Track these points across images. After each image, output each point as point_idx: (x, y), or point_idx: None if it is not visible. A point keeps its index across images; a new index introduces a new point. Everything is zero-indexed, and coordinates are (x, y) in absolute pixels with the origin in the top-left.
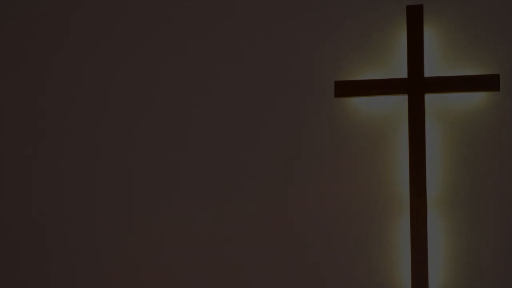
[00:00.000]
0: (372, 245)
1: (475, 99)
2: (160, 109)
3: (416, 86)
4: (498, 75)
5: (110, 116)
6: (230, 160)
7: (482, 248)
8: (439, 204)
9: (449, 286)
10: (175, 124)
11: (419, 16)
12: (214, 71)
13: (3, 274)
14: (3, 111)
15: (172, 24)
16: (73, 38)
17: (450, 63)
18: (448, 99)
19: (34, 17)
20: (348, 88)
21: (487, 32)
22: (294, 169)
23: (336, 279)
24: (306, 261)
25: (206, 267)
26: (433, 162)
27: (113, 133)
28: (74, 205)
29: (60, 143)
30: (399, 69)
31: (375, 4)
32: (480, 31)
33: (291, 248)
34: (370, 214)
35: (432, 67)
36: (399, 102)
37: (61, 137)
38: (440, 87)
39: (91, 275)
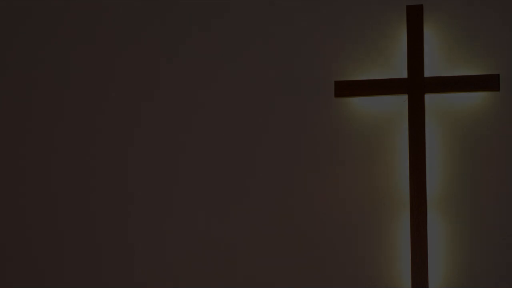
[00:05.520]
0: (372, 245)
1: (475, 99)
2: (160, 108)
3: (416, 86)
4: (498, 75)
5: (113, 116)
6: (229, 160)
7: (482, 248)
8: (439, 204)
9: (449, 286)
10: (175, 125)
11: (419, 16)
12: (213, 71)
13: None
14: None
15: (172, 24)
16: (70, 35)
17: (450, 63)
18: (448, 99)
19: (35, 15)
20: (348, 88)
21: (487, 32)
22: (294, 169)
23: (336, 279)
24: (305, 261)
25: (209, 268)
26: (433, 162)
27: (114, 134)
28: (73, 207)
29: (58, 142)
30: (399, 69)
31: (375, 4)
32: (480, 31)
33: (289, 248)
34: (370, 214)
35: (432, 67)
36: (399, 102)
37: (60, 136)
38: (440, 87)
39: (91, 279)
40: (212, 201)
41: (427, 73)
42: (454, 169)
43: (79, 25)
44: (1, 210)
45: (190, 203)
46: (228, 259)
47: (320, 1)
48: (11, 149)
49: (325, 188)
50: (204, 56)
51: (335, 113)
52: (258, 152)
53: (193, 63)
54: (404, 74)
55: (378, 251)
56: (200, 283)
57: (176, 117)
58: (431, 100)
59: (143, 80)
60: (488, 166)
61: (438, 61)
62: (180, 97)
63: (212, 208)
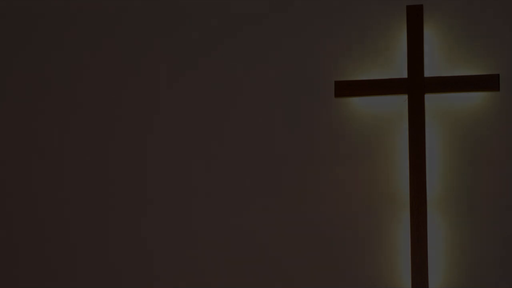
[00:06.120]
0: (372, 245)
1: (475, 99)
2: (160, 108)
3: (416, 86)
4: (498, 75)
5: (114, 116)
6: (228, 160)
7: (482, 248)
8: (439, 204)
9: (449, 286)
10: (175, 125)
11: (419, 16)
12: (213, 71)
13: (4, 272)
14: (10, 114)
15: (171, 24)
16: (70, 35)
17: (450, 63)
18: (448, 99)
19: (35, 15)
20: (348, 88)
21: (487, 32)
22: (293, 169)
23: (336, 279)
24: (305, 261)
25: (210, 268)
26: (433, 162)
27: (118, 135)
28: (81, 208)
29: (57, 143)
30: (399, 69)
31: (375, 4)
32: (480, 31)
33: (289, 249)
34: (370, 214)
35: (432, 67)
36: (399, 102)
37: (60, 135)
38: (440, 87)
39: (100, 279)
40: (211, 200)
41: (427, 73)
42: (454, 169)
43: (79, 24)
44: (17, 210)
45: (190, 203)
46: (228, 259)
47: (320, 1)
48: (22, 151)
49: (325, 188)
50: (204, 56)
51: (335, 113)
52: (257, 152)
53: (193, 63)
54: (404, 74)
55: (378, 251)
56: (200, 283)
57: (176, 117)
58: (431, 100)
59: (143, 80)
60: (488, 166)
61: (438, 61)
62: (180, 97)
63: (211, 208)
